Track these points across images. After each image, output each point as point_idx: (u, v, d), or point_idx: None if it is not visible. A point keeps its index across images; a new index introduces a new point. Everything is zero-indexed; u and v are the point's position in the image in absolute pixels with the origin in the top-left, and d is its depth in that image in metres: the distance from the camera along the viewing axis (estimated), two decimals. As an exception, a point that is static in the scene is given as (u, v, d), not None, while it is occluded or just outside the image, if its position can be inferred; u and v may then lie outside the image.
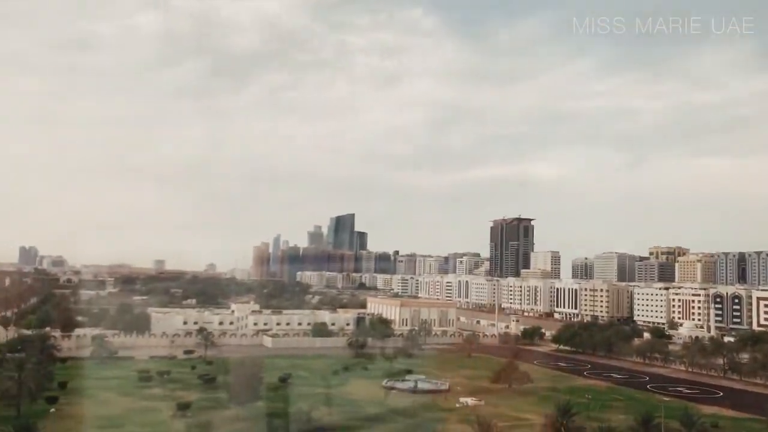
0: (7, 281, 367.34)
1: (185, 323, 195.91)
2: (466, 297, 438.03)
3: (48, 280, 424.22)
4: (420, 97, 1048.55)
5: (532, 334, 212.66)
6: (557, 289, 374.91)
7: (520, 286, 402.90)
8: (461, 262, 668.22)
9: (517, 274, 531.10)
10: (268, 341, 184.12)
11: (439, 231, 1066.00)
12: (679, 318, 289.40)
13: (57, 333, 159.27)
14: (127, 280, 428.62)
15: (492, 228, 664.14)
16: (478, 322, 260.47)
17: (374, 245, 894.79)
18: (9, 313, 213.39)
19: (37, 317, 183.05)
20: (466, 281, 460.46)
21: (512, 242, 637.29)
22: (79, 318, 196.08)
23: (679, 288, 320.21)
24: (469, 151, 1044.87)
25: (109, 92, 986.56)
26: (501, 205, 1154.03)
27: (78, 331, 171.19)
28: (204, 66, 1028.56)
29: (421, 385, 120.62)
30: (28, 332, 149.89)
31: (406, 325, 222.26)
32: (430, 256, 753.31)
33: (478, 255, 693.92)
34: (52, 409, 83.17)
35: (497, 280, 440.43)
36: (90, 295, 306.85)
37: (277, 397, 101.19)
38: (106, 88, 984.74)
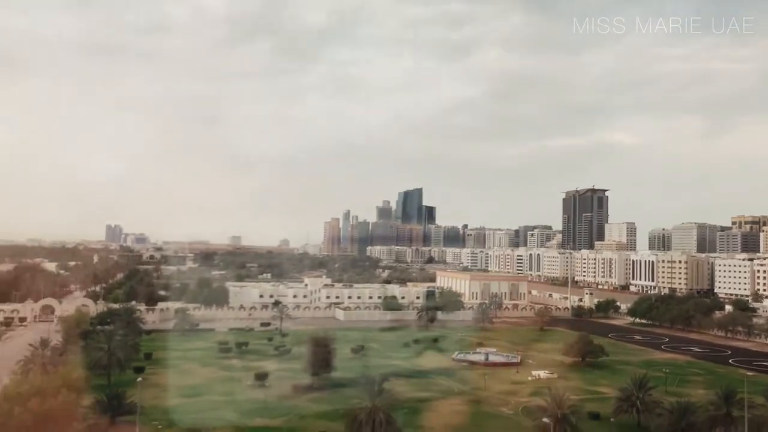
0: (96, 258, 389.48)
1: (261, 296, 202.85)
2: (538, 270, 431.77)
3: (132, 256, 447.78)
4: (488, 67, 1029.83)
5: (606, 308, 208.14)
6: (633, 261, 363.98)
7: (594, 259, 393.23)
8: (532, 234, 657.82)
9: (590, 247, 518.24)
10: (340, 314, 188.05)
11: (509, 204, 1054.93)
12: (764, 290, 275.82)
13: (142, 306, 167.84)
14: (206, 256, 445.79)
15: (564, 199, 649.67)
16: (550, 295, 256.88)
17: (443, 219, 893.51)
18: (98, 288, 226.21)
19: (123, 292, 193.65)
20: (538, 254, 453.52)
21: (585, 214, 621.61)
22: (162, 292, 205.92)
23: (765, 258, 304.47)
24: (540, 122, 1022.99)
25: (182, 75, 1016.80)
26: (573, 176, 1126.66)
27: (161, 305, 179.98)
28: (271, 46, 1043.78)
29: (492, 358, 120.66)
30: (116, 306, 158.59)
31: (476, 298, 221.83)
32: (500, 230, 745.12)
33: (549, 227, 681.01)
34: (139, 379, 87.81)
35: (570, 253, 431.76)
36: (171, 270, 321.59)
37: (350, 368, 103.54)
38: (180, 71, 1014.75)
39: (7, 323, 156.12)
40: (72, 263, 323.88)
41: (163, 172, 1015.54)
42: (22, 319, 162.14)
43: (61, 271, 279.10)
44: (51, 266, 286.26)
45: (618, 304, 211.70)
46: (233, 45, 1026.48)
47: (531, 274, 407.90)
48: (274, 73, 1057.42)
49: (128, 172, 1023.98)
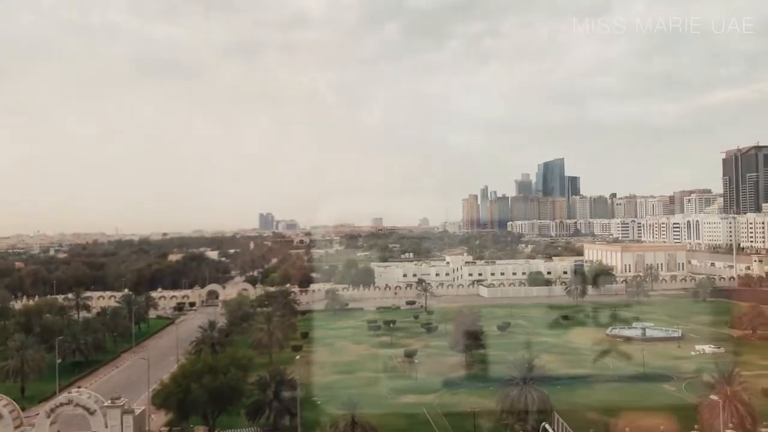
0: (252, 245, 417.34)
1: (404, 276, 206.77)
2: (697, 238, 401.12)
3: (284, 242, 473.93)
4: (633, 22, 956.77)
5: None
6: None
7: (762, 222, 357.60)
8: (689, 200, 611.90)
9: (757, 210, 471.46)
10: (483, 291, 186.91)
11: (661, 168, 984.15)
12: None
13: (296, 288, 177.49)
14: (351, 238, 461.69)
15: (725, 160, 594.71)
16: (712, 264, 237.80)
17: (588, 189, 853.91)
18: (255, 273, 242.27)
19: (278, 275, 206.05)
20: (697, 221, 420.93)
21: (750, 174, 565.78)
22: (313, 274, 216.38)
23: None
24: (694, 76, 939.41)
25: (319, 64, 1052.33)
26: (735, 133, 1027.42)
27: (313, 286, 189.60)
28: (403, 27, 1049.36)
29: (649, 333, 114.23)
30: (272, 289, 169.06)
31: (629, 271, 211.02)
32: (652, 197, 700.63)
33: (709, 191, 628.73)
34: (298, 357, 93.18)
35: (734, 218, 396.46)
36: (320, 253, 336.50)
37: (498, 345, 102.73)
38: (317, 61, 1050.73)
39: (180, 308, 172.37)
40: (231, 251, 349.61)
41: (307, 161, 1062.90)
42: (192, 304, 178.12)
43: (222, 259, 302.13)
44: (213, 254, 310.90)
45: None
46: (367, 30, 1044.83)
47: (690, 243, 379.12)
48: (406, 53, 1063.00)
49: (277, 162, 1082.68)
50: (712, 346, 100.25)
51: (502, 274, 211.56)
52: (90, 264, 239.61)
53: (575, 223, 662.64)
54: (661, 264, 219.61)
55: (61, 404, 60.61)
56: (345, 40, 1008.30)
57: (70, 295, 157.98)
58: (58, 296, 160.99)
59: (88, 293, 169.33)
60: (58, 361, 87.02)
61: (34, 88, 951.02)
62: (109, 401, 60.46)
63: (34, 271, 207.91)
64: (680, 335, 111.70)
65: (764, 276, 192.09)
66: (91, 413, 59.70)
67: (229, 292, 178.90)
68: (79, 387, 73.31)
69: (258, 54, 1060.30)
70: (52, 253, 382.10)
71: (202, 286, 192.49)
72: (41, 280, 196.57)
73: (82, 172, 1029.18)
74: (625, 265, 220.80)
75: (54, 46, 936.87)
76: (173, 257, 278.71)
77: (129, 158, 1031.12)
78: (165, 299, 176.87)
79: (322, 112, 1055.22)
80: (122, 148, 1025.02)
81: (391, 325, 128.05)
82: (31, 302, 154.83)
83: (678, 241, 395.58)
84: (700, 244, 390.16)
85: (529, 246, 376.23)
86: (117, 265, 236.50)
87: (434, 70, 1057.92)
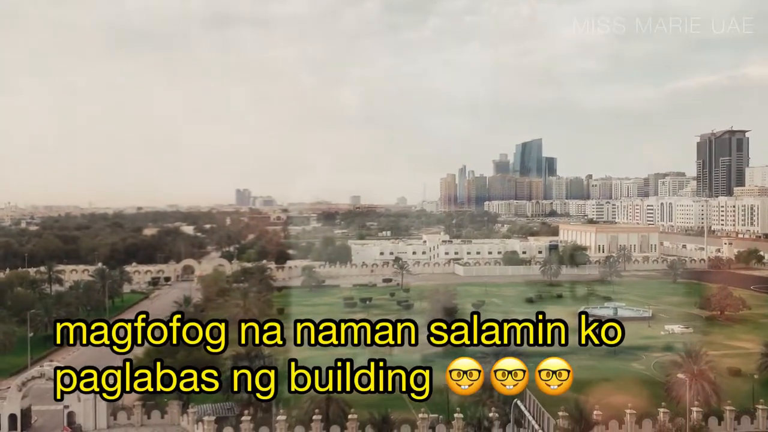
0: (228, 221, 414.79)
1: (381, 254, 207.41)
2: (670, 220, 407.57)
3: (261, 218, 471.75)
4: (613, 4, 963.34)
5: (747, 258, 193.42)
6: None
7: (733, 206, 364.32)
8: (663, 182, 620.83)
9: (729, 193, 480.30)
10: (459, 269, 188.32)
11: (637, 151, 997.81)
12: None
13: (272, 265, 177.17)
14: (328, 216, 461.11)
15: (699, 143, 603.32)
16: (684, 246, 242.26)
17: (564, 170, 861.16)
18: (232, 249, 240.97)
19: (254, 251, 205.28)
20: (670, 203, 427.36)
21: (723, 158, 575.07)
22: (290, 251, 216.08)
23: None
24: (671, 60, 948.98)
25: (297, 38, 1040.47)
26: (709, 117, 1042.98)
27: (289, 263, 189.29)
28: (382, 3, 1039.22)
29: (621, 312, 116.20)
30: (249, 265, 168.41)
31: (603, 251, 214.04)
32: (627, 179, 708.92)
33: (683, 174, 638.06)
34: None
35: (706, 201, 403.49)
36: (297, 230, 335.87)
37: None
38: (295, 35, 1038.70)
39: (154, 282, 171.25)
40: (207, 226, 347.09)
41: (285, 137, 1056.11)
42: (167, 279, 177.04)
43: (198, 234, 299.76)
44: (189, 229, 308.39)
45: (761, 253, 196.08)
46: (346, 5, 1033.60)
47: (662, 225, 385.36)
48: (386, 29, 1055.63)
49: (254, 138, 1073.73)
50: (681, 326, 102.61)
51: (478, 253, 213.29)
52: (63, 237, 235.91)
53: (551, 203, 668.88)
54: (635, 245, 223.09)
55: (33, 378, 60.11)
56: (324, 15, 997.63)
57: (42, 268, 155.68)
58: (29, 269, 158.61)
59: (61, 267, 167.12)
60: (30, 334, 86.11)
61: (4, 55, 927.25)
62: (82, 375, 59.97)
63: (4, 244, 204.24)
64: (651, 315, 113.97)
65: (733, 258, 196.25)
66: (64, 387, 59.23)
67: (205, 267, 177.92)
68: (51, 361, 72.72)
69: (235, 26, 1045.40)
70: (23, 225, 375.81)
71: (178, 261, 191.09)
72: (12, 252, 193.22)
73: (53, 144, 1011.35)
74: (599, 245, 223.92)
75: (23, 12, 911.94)
76: (148, 231, 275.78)
77: (103, 131, 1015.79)
78: (139, 274, 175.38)
79: (300, 88, 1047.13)
80: (96, 120, 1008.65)
81: (368, 302, 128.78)
82: (1, 275, 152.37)
83: (651, 222, 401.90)
84: (672, 226, 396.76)
85: (505, 226, 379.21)
86: (91, 238, 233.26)
87: (414, 48, 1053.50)
